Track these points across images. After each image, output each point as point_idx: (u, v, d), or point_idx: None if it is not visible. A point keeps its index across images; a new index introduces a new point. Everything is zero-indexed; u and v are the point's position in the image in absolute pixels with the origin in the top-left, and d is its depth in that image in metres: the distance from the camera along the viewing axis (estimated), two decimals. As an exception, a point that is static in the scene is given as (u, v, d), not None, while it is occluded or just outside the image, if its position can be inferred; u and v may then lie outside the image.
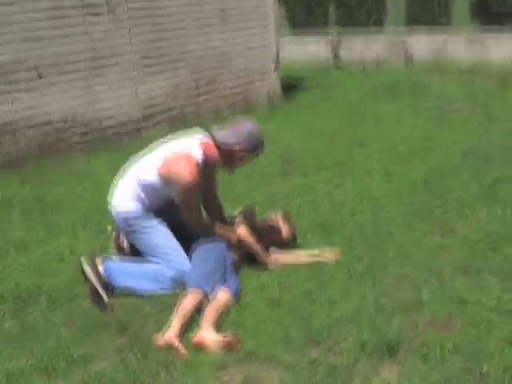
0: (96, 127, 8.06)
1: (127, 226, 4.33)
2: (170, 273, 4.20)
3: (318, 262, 4.46)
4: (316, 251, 4.56)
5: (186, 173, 4.08)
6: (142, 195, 4.26)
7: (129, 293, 4.17)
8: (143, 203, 4.27)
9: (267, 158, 7.01)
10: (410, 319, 3.67)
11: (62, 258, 4.88)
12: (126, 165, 4.47)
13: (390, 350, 3.36)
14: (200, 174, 4.14)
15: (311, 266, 4.44)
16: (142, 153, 4.47)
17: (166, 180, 4.18)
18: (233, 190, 6.11)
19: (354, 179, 6.40)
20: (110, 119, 8.22)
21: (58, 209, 5.99)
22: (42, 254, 4.98)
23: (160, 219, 4.32)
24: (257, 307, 3.93)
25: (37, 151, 7.45)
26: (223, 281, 4.06)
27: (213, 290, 3.95)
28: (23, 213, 5.93)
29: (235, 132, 4.32)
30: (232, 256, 4.35)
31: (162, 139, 4.47)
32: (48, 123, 7.53)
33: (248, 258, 4.52)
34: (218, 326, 3.70)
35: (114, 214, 4.39)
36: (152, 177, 4.22)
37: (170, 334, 3.58)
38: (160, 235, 4.29)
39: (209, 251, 4.20)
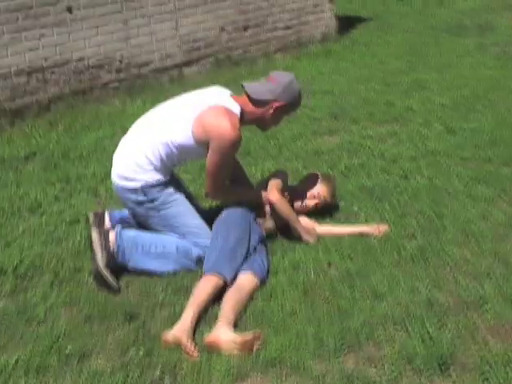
0: (132, 66, 7.41)
1: (142, 201, 3.63)
2: (197, 252, 3.61)
3: (362, 234, 3.87)
4: (360, 227, 3.95)
5: (228, 129, 3.42)
6: (166, 161, 3.58)
7: (141, 271, 3.63)
8: (165, 171, 3.62)
9: (316, 105, 6.41)
10: (469, 322, 3.02)
11: (75, 219, 4.38)
12: (136, 126, 3.80)
13: (442, 365, 2.73)
14: (241, 132, 3.53)
15: (353, 237, 3.86)
16: (153, 112, 3.79)
17: (202, 139, 3.49)
18: (271, 139, 5.50)
19: (410, 129, 5.73)
20: (148, 57, 7.54)
21: (82, 161, 5.47)
22: (56, 213, 4.51)
23: (178, 189, 3.70)
24: (286, 294, 3.35)
25: (68, 92, 6.89)
26: (246, 261, 3.47)
27: (233, 274, 3.37)
28: (45, 164, 5.44)
29: (270, 86, 3.66)
30: (259, 230, 3.73)
31: (182, 94, 3.81)
32: (80, 61, 6.93)
33: (280, 230, 3.94)
34: (238, 318, 3.14)
35: (124, 186, 3.65)
36: (182, 137, 3.52)
37: (180, 328, 3.03)
38: (183, 210, 3.68)
39: (229, 227, 3.58)
